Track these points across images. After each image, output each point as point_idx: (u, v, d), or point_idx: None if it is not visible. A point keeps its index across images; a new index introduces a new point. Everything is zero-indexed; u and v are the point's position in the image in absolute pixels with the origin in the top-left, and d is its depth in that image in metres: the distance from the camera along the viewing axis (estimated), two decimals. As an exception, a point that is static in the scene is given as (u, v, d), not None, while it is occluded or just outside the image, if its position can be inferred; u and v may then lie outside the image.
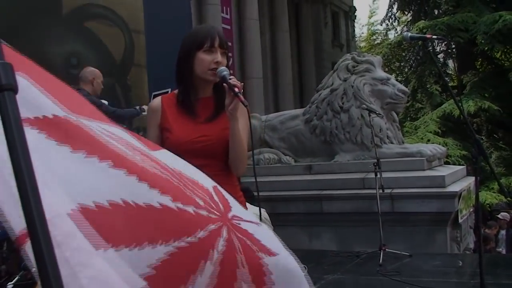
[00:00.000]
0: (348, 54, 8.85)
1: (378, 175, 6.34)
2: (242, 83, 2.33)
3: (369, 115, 6.96)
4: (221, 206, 1.45)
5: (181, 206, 1.30)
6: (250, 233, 1.48)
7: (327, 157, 8.30)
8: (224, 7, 14.23)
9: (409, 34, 3.41)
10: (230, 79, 2.28)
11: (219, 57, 2.36)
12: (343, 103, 8.00)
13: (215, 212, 1.41)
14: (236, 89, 2.24)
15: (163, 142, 2.36)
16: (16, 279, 4.04)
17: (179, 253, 1.26)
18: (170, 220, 1.27)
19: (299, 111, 9.02)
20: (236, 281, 1.42)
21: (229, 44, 13.85)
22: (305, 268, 5.32)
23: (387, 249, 6.26)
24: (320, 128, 8.24)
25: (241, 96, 2.26)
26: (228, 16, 14.56)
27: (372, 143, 7.19)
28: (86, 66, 5.90)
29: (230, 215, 1.47)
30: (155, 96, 6.07)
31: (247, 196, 5.91)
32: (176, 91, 2.45)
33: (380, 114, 7.53)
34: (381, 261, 6.02)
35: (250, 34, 15.17)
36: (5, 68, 0.60)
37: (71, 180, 1.13)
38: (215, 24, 13.17)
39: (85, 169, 1.17)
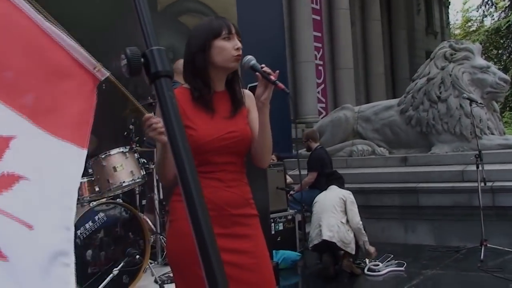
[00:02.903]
0: (446, 42, 8.54)
1: (480, 168, 6.08)
2: (277, 71, 2.16)
3: (470, 105, 6.68)
4: None
5: None
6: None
7: (423, 149, 8.07)
8: (314, -2, 14.14)
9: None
10: (262, 67, 2.13)
11: (239, 43, 2.21)
12: (440, 93, 7.74)
13: None
14: (272, 77, 2.10)
15: None
16: (121, 265, 4.21)
17: None
18: None
19: (393, 101, 8.82)
20: None
21: (319, 35, 13.83)
22: (404, 264, 5.23)
23: (488, 245, 6.01)
24: (416, 118, 8.02)
25: (281, 84, 2.12)
26: (318, 7, 14.43)
27: (472, 134, 6.91)
28: (179, 58, 6.03)
29: None
30: (251, 88, 6.12)
31: (335, 178, 5.90)
32: (184, 85, 2.29)
33: (482, 104, 7.21)
34: (482, 257, 5.81)
35: (340, 24, 14.95)
36: (160, 55, 0.61)
37: None
38: (305, 15, 13.12)
39: None
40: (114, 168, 4.47)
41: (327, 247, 5.49)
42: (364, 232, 5.67)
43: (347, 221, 5.57)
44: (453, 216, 7.07)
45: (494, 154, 7.18)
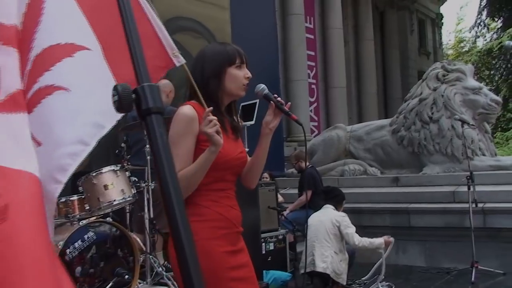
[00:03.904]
0: (438, 63, 8.60)
1: (471, 189, 6.10)
2: (289, 103, 2.33)
3: (462, 126, 6.71)
4: None
5: None
6: None
7: (415, 169, 8.09)
8: (308, 17, 14.24)
9: (511, 42, 3.22)
10: (275, 97, 2.29)
11: (249, 72, 2.34)
12: (432, 113, 7.78)
13: None
14: (286, 108, 2.28)
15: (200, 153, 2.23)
16: (109, 285, 4.16)
17: None
18: None
19: (385, 121, 8.85)
20: None
21: (313, 53, 13.91)
22: (393, 286, 5.14)
23: (479, 266, 6.01)
24: (407, 139, 8.05)
25: (294, 115, 2.28)
26: (311, 26, 14.55)
27: (464, 155, 6.93)
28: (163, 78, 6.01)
29: None
30: (244, 107, 6.11)
31: (332, 196, 5.84)
32: (195, 101, 2.32)
33: (473, 125, 7.25)
34: (473, 278, 5.80)
35: (333, 43, 15.06)
36: (152, 91, 0.60)
37: None
38: (298, 34, 13.20)
39: None
40: (105, 186, 4.44)
41: (319, 274, 5.43)
42: (368, 244, 5.51)
43: (340, 250, 5.51)
44: (444, 237, 7.07)
45: (485, 175, 7.20)
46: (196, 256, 0.61)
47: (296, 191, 7.68)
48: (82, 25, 1.67)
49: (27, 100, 1.48)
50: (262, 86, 2.31)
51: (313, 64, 14.30)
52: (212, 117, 2.04)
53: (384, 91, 20.44)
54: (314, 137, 11.31)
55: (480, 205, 6.43)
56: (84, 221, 4.26)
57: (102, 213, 4.57)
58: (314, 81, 14.31)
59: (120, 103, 0.63)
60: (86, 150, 1.58)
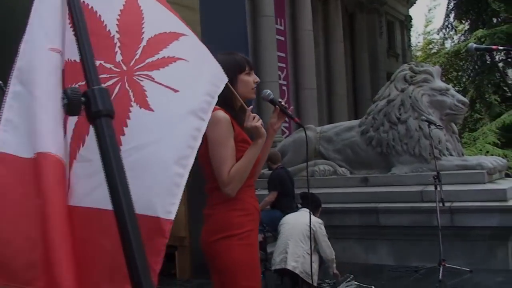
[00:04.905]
0: (406, 64, 8.70)
1: (438, 188, 6.19)
2: (292, 107, 2.64)
3: (429, 127, 6.80)
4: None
5: None
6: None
7: (384, 169, 8.16)
8: (278, 19, 14.28)
9: (474, 45, 3.26)
10: (280, 101, 2.60)
11: (257, 77, 2.65)
12: (400, 114, 7.86)
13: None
14: (289, 112, 2.58)
15: (239, 153, 2.48)
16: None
17: None
18: None
19: (354, 122, 8.92)
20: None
21: (283, 55, 13.93)
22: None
23: (446, 264, 6.10)
24: (376, 139, 8.12)
25: (296, 118, 2.60)
26: (282, 28, 14.59)
27: (431, 155, 7.03)
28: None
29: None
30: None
31: (310, 202, 5.86)
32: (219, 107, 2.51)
33: (440, 126, 7.35)
34: (440, 276, 5.88)
35: (304, 45, 15.11)
36: (101, 94, 0.61)
37: None
38: (269, 36, 13.23)
39: None
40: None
41: (289, 273, 5.46)
42: (333, 262, 5.63)
43: (312, 251, 5.52)
44: (412, 236, 7.17)
45: (452, 174, 7.30)
46: (144, 258, 0.62)
47: (267, 192, 7.68)
48: (171, 17, 2.10)
49: (146, 62, 1.91)
50: (268, 91, 2.64)
51: (283, 65, 14.35)
52: (253, 114, 2.39)
53: (354, 93, 20.61)
54: (285, 138, 11.34)
55: (447, 204, 6.54)
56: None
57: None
58: (285, 82, 14.36)
59: (70, 106, 0.64)
60: (213, 102, 2.00)
